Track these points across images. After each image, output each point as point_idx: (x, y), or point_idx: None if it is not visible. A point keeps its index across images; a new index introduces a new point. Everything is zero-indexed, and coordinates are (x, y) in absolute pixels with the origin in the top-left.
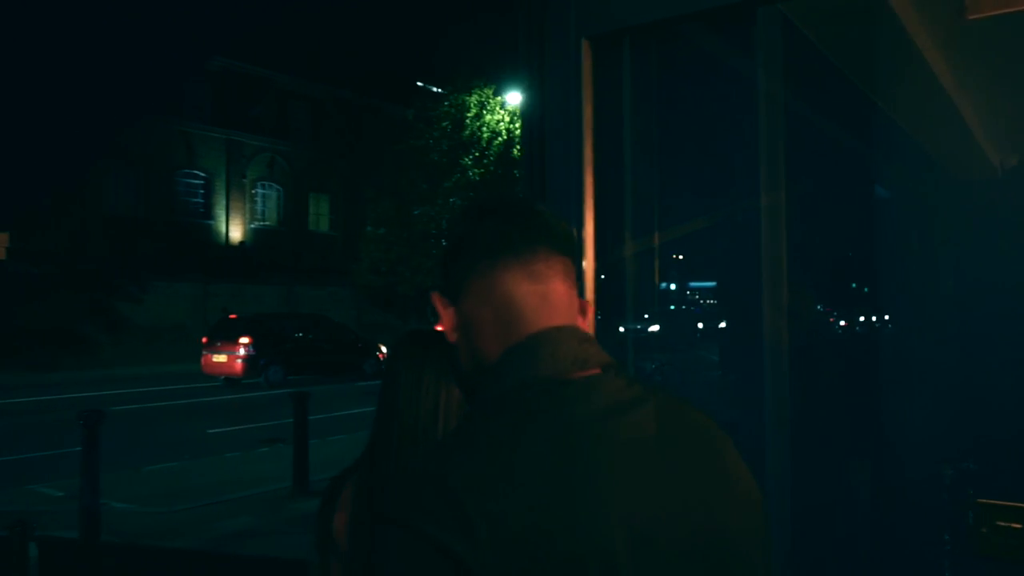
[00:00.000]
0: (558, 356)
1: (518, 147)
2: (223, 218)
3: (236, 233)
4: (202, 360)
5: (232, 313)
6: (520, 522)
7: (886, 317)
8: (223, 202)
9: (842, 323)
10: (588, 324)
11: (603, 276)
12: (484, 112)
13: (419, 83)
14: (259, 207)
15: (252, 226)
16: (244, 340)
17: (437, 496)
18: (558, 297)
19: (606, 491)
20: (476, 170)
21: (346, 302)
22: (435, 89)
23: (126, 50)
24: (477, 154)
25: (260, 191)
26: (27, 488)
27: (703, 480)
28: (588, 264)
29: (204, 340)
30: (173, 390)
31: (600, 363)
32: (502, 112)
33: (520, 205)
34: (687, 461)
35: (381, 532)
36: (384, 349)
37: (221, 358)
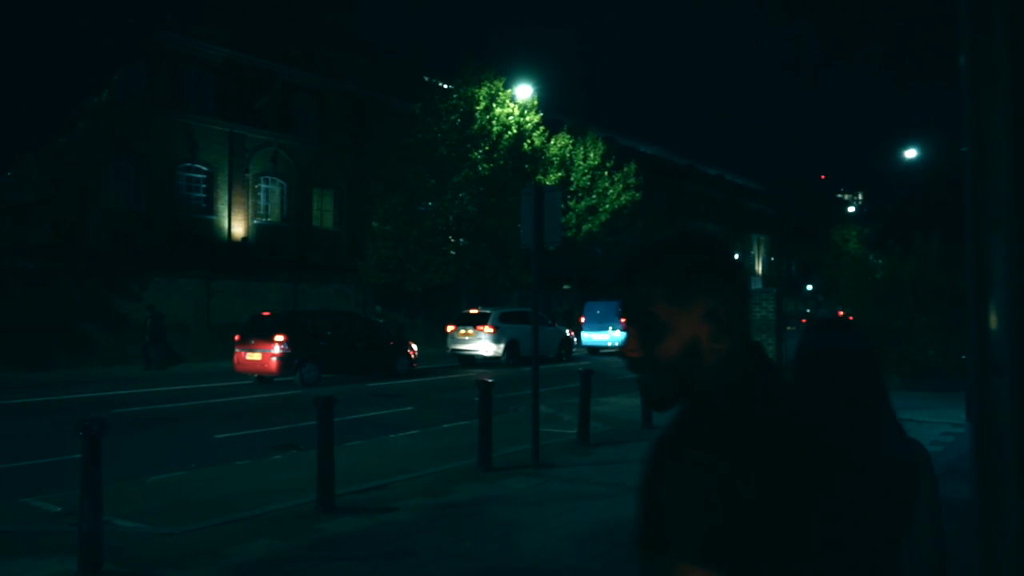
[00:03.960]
0: None
1: (528, 141)
2: (226, 213)
3: (239, 229)
4: (234, 358)
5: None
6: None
7: None
8: (226, 197)
9: None
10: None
11: None
12: (494, 105)
13: (426, 77)
14: (262, 202)
15: (255, 222)
16: (279, 338)
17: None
18: None
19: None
20: (486, 165)
21: (352, 299)
22: (442, 84)
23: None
24: (487, 148)
25: (263, 186)
26: (21, 502)
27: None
28: None
29: (237, 338)
30: (175, 391)
31: None
32: (512, 105)
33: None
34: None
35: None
36: (415, 347)
37: (255, 356)
